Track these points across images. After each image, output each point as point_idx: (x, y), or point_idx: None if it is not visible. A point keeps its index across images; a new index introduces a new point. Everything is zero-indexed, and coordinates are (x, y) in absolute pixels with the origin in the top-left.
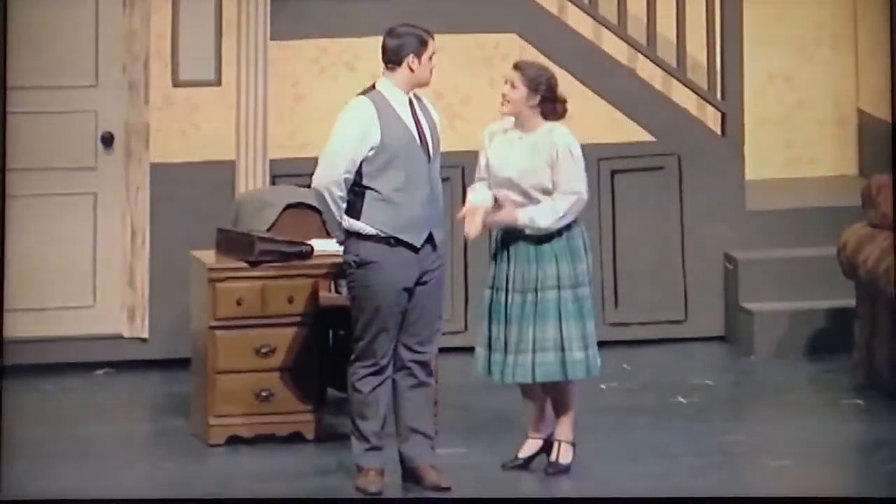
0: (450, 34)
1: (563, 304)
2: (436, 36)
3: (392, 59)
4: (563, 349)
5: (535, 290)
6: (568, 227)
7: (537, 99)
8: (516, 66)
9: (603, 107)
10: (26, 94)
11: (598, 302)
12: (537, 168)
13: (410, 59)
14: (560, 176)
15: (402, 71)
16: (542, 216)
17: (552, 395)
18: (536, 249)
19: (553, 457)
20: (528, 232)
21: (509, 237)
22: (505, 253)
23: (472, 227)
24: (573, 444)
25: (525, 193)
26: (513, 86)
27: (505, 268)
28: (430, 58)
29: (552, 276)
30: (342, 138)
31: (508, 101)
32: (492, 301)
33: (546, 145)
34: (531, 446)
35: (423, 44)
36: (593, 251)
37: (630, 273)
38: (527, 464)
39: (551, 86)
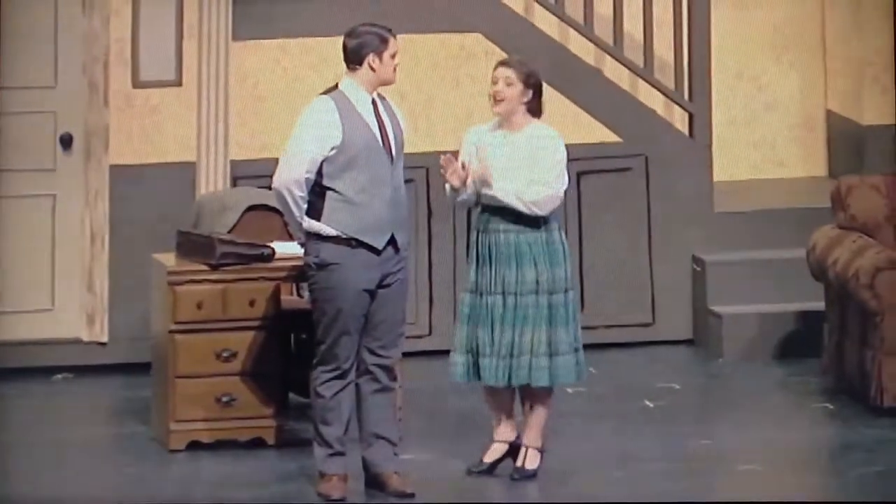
0: (414, 34)
1: (538, 310)
2: (400, 36)
3: (353, 58)
4: (531, 354)
5: (515, 294)
6: (549, 230)
7: (529, 95)
8: (507, 63)
9: (569, 107)
10: None
11: (576, 296)
12: (526, 167)
13: (371, 58)
14: (539, 169)
15: (364, 71)
16: (506, 193)
17: (528, 400)
18: (517, 252)
19: (519, 462)
20: (484, 202)
21: (489, 238)
22: (486, 255)
23: (457, 177)
24: (541, 451)
25: None
26: (507, 83)
27: (487, 270)
28: (393, 56)
29: (531, 280)
30: (302, 138)
31: (502, 100)
32: (473, 304)
33: (533, 145)
34: (497, 450)
35: (384, 42)
36: None
37: (597, 275)
38: (492, 469)
39: (540, 81)
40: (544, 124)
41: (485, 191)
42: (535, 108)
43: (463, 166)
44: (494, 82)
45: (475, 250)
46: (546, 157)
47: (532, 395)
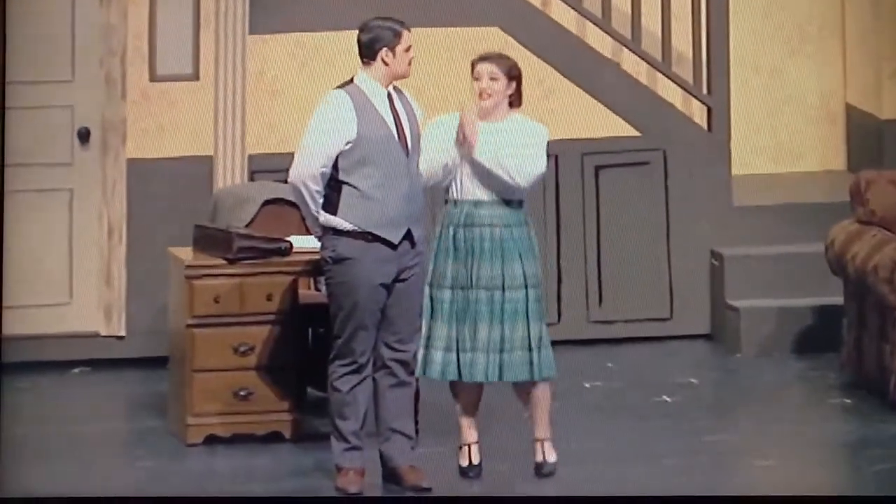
0: (431, 28)
1: (529, 304)
2: (417, 30)
3: (366, 53)
4: (524, 349)
5: (503, 289)
6: (528, 225)
7: (514, 87)
8: (488, 59)
9: (587, 101)
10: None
11: (583, 299)
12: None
13: (384, 52)
14: (520, 142)
15: (377, 65)
16: (489, 157)
17: (528, 396)
18: (503, 247)
19: (540, 457)
20: (483, 162)
21: (473, 233)
22: (469, 249)
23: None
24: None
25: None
26: (492, 78)
27: (470, 265)
28: (407, 50)
29: (519, 274)
30: (318, 132)
31: (490, 94)
32: (454, 300)
33: (525, 130)
34: (476, 451)
35: (397, 36)
36: (577, 247)
37: (614, 270)
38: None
39: (520, 71)
40: (524, 117)
41: (465, 152)
42: (515, 99)
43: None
44: (478, 78)
45: (451, 245)
46: (528, 135)
47: (529, 390)
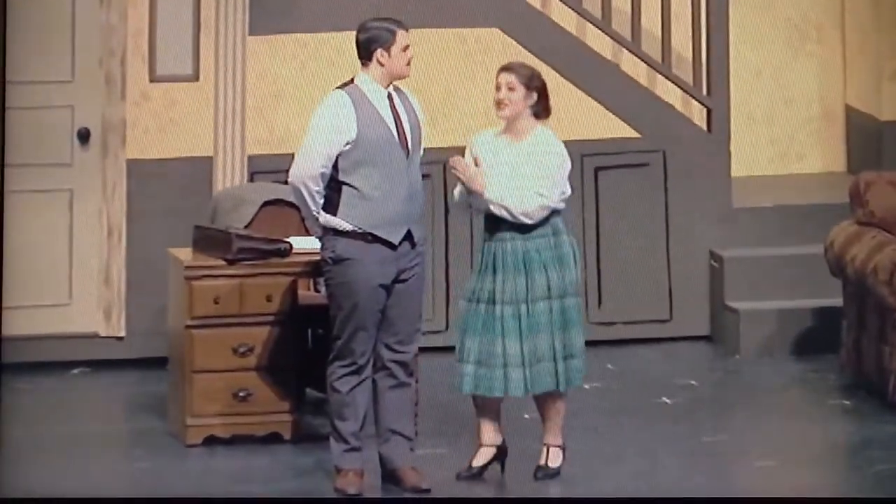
0: (430, 28)
1: (552, 315)
2: (417, 31)
3: (363, 54)
4: (550, 360)
5: (527, 302)
6: (557, 234)
7: (534, 98)
8: (507, 69)
9: (587, 103)
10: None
11: (582, 300)
12: (520, 177)
13: (379, 53)
14: (533, 178)
15: (374, 65)
16: (495, 201)
17: (543, 402)
18: (525, 259)
19: (542, 461)
20: (494, 211)
21: (494, 247)
22: (490, 263)
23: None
24: (562, 448)
25: None
26: (509, 88)
27: (490, 280)
28: (404, 50)
29: (542, 285)
30: (318, 132)
31: (507, 104)
32: (469, 313)
33: (534, 153)
34: (486, 454)
35: (393, 36)
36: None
37: (614, 271)
38: (481, 472)
39: (544, 83)
40: (550, 133)
41: (474, 197)
42: (540, 110)
43: (476, 163)
44: (497, 88)
45: (480, 257)
46: (542, 168)
47: (547, 397)
